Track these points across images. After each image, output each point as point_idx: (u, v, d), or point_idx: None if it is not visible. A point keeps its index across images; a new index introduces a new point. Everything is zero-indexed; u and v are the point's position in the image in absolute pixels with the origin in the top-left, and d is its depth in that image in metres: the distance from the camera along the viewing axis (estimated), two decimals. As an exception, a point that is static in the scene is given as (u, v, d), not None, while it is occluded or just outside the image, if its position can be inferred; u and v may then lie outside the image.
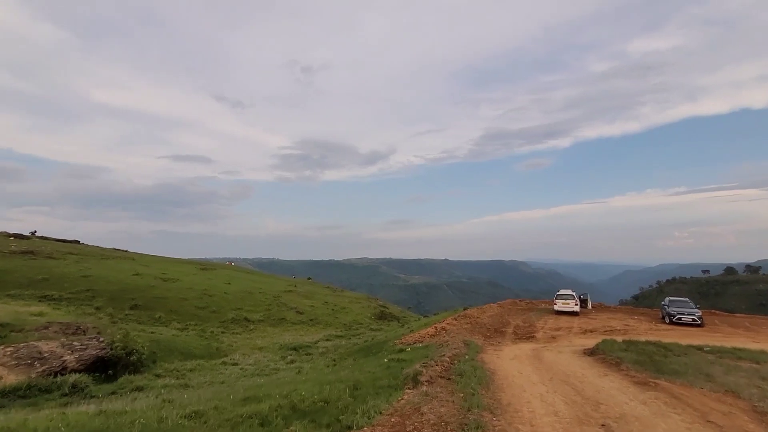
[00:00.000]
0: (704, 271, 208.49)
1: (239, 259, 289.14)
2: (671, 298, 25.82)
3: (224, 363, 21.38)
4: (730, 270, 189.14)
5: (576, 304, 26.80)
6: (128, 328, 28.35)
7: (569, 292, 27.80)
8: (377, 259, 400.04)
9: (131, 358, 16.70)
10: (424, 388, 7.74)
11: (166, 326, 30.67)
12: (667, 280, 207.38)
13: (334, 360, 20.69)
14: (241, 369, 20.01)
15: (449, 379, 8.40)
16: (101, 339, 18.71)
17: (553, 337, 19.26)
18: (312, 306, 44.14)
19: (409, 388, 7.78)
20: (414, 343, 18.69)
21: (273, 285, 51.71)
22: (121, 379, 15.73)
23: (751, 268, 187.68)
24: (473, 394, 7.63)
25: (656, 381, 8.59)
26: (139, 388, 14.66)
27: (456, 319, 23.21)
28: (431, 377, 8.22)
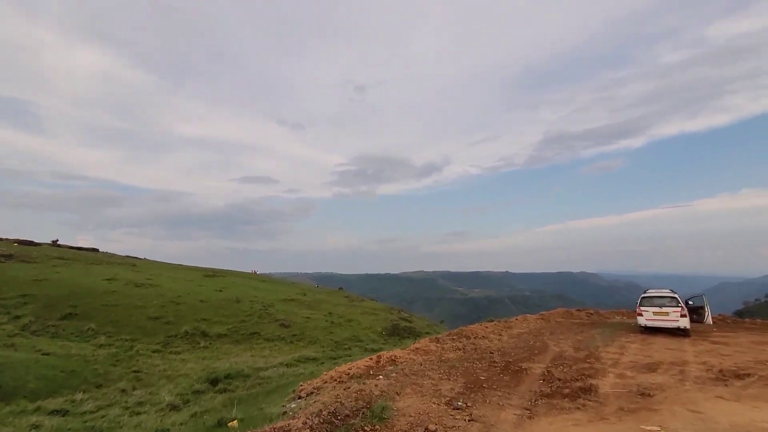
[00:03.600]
0: None
1: (300, 273, 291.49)
2: None
3: (23, 411, 12.38)
4: None
5: (682, 315, 13.96)
6: (25, 343, 21.04)
7: (667, 292, 14.92)
8: (434, 272, 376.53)
9: None
10: None
11: (86, 341, 22.91)
12: None
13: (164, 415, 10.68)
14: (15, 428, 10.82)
15: None
16: None
17: (644, 396, 7.40)
18: (308, 318, 34.52)
19: None
20: (309, 393, 8.13)
21: (276, 293, 43.19)
22: None
23: None
24: None
25: None
26: None
27: (438, 342, 11.95)
28: None
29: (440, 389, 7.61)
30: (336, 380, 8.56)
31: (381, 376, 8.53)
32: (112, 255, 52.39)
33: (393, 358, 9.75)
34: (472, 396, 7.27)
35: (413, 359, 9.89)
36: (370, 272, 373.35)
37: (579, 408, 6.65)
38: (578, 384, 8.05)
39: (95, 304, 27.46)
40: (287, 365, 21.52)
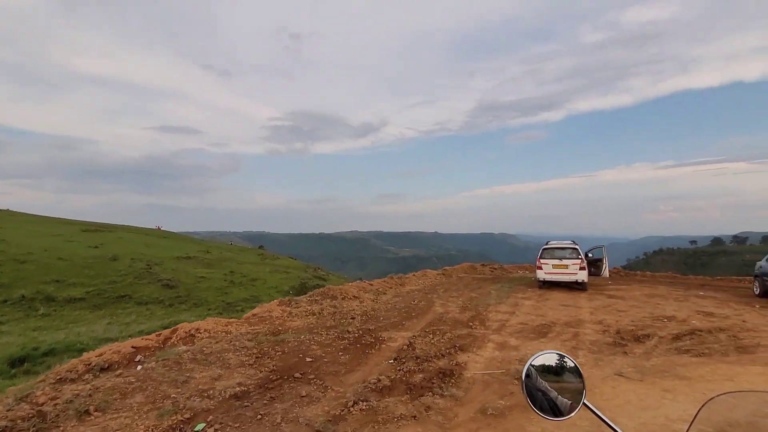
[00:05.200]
0: (692, 242, 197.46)
1: (228, 232, 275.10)
2: None
3: None
4: (717, 241, 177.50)
5: (581, 268, 12.57)
6: None
7: (568, 243, 13.45)
8: (368, 232, 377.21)
9: None
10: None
11: None
12: (654, 252, 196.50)
13: None
14: None
15: None
16: None
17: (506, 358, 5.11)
18: (202, 278, 29.99)
19: None
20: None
21: (170, 251, 37.48)
22: None
23: (738, 239, 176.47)
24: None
25: None
26: None
27: (288, 306, 8.95)
28: None
29: (214, 388, 4.46)
30: (73, 371, 5.04)
31: (139, 366, 5.17)
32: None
33: (193, 332, 6.43)
34: (258, 398, 4.23)
35: (226, 332, 6.67)
36: (303, 232, 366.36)
37: (418, 416, 3.92)
38: (440, 363, 5.44)
39: None
40: (147, 334, 17.44)
